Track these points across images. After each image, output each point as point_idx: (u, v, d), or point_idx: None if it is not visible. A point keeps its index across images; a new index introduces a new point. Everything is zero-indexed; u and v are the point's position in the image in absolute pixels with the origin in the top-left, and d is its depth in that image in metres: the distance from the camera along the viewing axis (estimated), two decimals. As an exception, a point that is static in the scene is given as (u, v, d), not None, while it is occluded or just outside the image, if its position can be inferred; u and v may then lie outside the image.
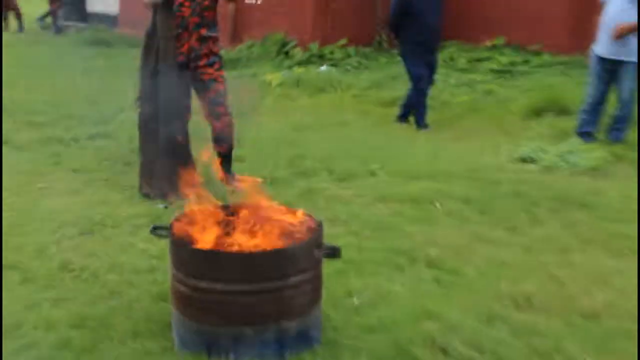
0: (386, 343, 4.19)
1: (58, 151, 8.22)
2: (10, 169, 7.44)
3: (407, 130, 9.70)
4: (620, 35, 8.41)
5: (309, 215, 4.48)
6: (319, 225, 4.31)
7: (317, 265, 4.17)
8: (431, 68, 10.03)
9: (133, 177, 6.97)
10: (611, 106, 8.94)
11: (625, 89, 8.67)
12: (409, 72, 10.07)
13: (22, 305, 4.64)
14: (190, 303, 4.08)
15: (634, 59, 8.48)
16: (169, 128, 6.65)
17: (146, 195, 6.70)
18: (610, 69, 8.71)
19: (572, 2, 12.21)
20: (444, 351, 4.14)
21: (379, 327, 4.37)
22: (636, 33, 8.37)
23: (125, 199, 6.65)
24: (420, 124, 9.94)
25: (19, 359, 4.03)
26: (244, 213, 4.43)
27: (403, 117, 10.25)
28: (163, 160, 6.66)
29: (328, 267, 4.90)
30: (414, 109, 10.09)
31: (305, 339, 4.12)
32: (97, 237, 5.80)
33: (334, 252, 4.23)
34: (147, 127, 6.77)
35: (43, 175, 7.36)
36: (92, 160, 7.87)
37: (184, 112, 6.84)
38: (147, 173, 6.77)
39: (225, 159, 7.04)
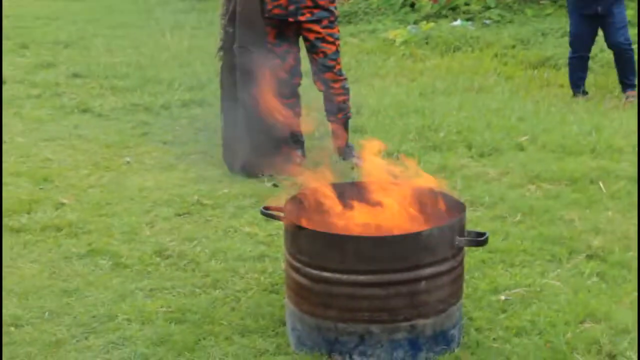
0: (540, 347, 4.14)
1: (146, 120, 8.35)
2: (93, 141, 7.60)
3: (561, 97, 9.53)
4: None
5: (450, 196, 4.49)
6: (462, 207, 4.30)
7: (458, 254, 4.12)
8: (598, 23, 9.73)
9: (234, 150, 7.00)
10: None
11: None
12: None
13: (113, 294, 4.73)
14: (309, 296, 4.08)
15: None
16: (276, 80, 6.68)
17: (242, 172, 6.79)
18: None
19: None
20: (612, 358, 4.11)
21: (531, 329, 4.33)
22: None
23: (226, 176, 6.74)
24: (576, 90, 9.85)
25: (112, 356, 4.12)
26: (369, 191, 4.46)
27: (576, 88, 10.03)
28: (262, 130, 6.70)
29: (471, 257, 4.93)
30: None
31: (442, 340, 4.09)
32: (195, 218, 5.88)
33: (479, 240, 4.20)
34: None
35: (130, 147, 7.48)
36: (186, 130, 7.96)
37: (290, 75, 6.89)
38: (247, 145, 6.83)
39: (340, 130, 7.09)
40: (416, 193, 4.40)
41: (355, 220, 4.23)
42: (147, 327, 4.37)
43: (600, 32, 9.84)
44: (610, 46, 9.62)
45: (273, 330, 4.35)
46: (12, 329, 4.36)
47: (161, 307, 4.59)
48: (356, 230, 4.17)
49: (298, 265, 4.12)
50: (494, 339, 4.29)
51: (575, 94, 9.78)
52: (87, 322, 4.43)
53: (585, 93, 9.70)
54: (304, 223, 4.22)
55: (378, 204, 4.32)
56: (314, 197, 4.46)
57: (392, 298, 3.98)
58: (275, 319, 4.42)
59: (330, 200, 4.42)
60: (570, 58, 9.88)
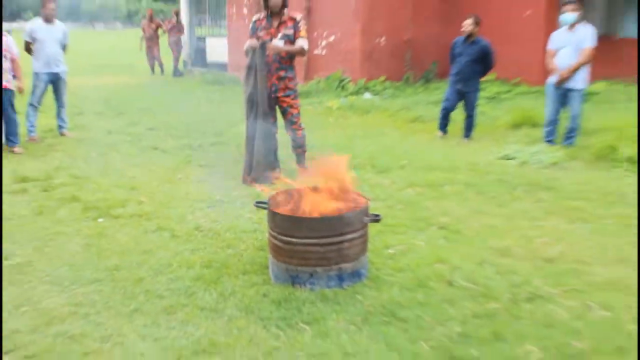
0: (411, 279, 4.31)
1: (190, 154, 8.42)
2: (159, 166, 7.71)
3: (427, 138, 9.66)
4: (565, 79, 8.48)
5: (361, 194, 4.62)
6: (367, 201, 4.45)
7: (365, 227, 4.29)
8: (460, 96, 9.47)
9: (240, 170, 7.10)
10: (564, 121, 8.87)
11: (574, 109, 8.64)
12: None
13: (171, 252, 4.88)
14: (280, 251, 4.23)
15: (579, 87, 8.54)
16: (264, 139, 6.83)
17: (247, 183, 6.80)
18: (562, 95, 8.70)
19: (541, 50, 12.08)
20: (450, 283, 4.26)
21: (406, 269, 4.48)
22: (578, 71, 8.44)
23: (236, 185, 6.79)
24: (441, 131, 9.75)
25: (170, 286, 4.26)
26: (316, 192, 4.57)
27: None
28: (260, 159, 6.81)
29: (373, 229, 5.02)
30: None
31: (357, 275, 4.25)
32: (218, 209, 5.97)
33: (377, 219, 4.36)
34: (250, 138, 6.93)
35: (181, 169, 7.56)
36: (213, 159, 8.07)
37: (273, 129, 7.03)
38: (248, 168, 6.90)
39: (301, 158, 7.21)
40: (343, 193, 4.50)
41: (308, 208, 4.31)
42: (190, 270, 4.53)
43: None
44: (465, 111, 9.61)
45: (261, 272, 4.48)
46: (125, 273, 4.48)
47: (198, 259, 4.72)
48: (308, 214, 4.25)
49: (274, 234, 4.29)
50: (385, 274, 4.42)
51: (441, 133, 9.73)
52: (156, 268, 4.59)
53: (445, 133, 9.69)
54: (278, 210, 4.33)
55: (321, 199, 4.42)
56: (285, 196, 4.58)
57: (328, 252, 4.15)
58: (262, 265, 4.55)
59: (293, 197, 4.53)
60: (442, 110, 9.72)
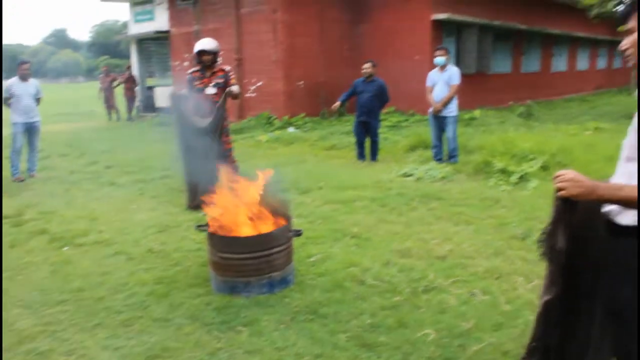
0: (330, 281, 4.29)
1: (143, 187, 8.16)
2: (115, 199, 7.44)
3: (341, 163, 9.69)
4: (439, 110, 8.76)
5: (286, 212, 4.57)
6: (290, 218, 4.43)
7: (289, 240, 4.27)
8: (364, 126, 9.40)
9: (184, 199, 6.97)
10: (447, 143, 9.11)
11: (449, 132, 8.90)
12: None
13: (127, 273, 4.70)
14: (220, 266, 4.15)
15: (451, 114, 8.81)
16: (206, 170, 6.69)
17: (191, 209, 6.64)
18: (440, 122, 8.94)
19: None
20: (362, 283, 4.26)
21: (326, 273, 4.46)
22: (448, 103, 8.74)
23: (181, 211, 6.59)
24: (359, 157, 9.69)
25: (127, 302, 4.11)
26: (249, 214, 4.53)
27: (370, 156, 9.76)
28: (202, 188, 6.66)
29: (297, 241, 4.98)
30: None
31: (285, 282, 4.21)
32: (167, 233, 5.79)
33: (298, 233, 4.36)
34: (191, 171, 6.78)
35: (134, 201, 7.32)
36: (162, 190, 7.86)
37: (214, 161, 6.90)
38: (192, 196, 6.71)
39: None
40: (270, 211, 4.46)
41: (241, 228, 4.27)
42: (144, 287, 4.38)
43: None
44: (370, 138, 9.53)
45: (205, 284, 4.37)
46: (88, 293, 4.26)
47: (151, 277, 4.57)
48: (241, 233, 4.20)
49: (214, 252, 4.19)
50: (308, 279, 4.40)
51: (358, 159, 9.66)
52: (115, 287, 4.41)
53: (363, 159, 9.64)
54: (216, 232, 4.25)
55: (251, 218, 4.38)
56: (221, 219, 4.50)
57: (260, 264, 4.11)
58: (206, 278, 4.42)
59: (229, 219, 4.46)
60: (356, 142, 9.71)
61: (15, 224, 6.42)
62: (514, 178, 7.50)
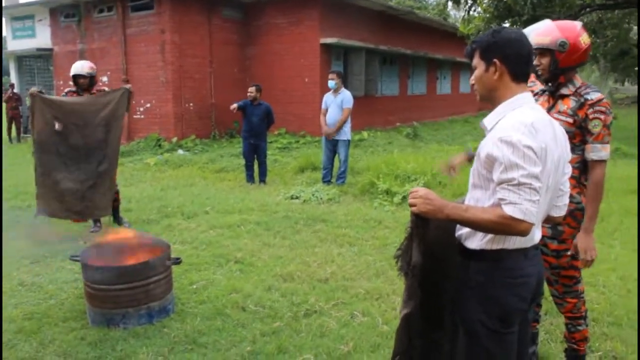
0: (211, 309, 4.27)
1: (19, 214, 7.68)
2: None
3: (230, 186, 9.65)
4: (333, 134, 8.93)
5: (164, 241, 4.52)
6: (168, 246, 4.36)
7: (168, 269, 4.20)
8: (254, 148, 9.47)
9: (65, 226, 6.68)
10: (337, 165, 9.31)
11: (341, 155, 9.09)
12: None
13: (-4, 309, 4.45)
14: (95, 298, 4.03)
15: (344, 138, 9.00)
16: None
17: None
18: (333, 145, 9.12)
19: (318, 107, 12.62)
20: (243, 309, 4.27)
21: (207, 300, 4.44)
22: (341, 127, 8.91)
23: (59, 240, 6.27)
24: (248, 180, 9.68)
25: (-6, 342, 3.90)
26: (125, 243, 4.43)
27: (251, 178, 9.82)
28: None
29: (179, 268, 4.94)
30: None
31: (164, 311, 4.14)
32: (42, 264, 5.49)
33: (177, 262, 4.29)
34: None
35: (10, 229, 6.84)
36: (41, 217, 7.41)
37: None
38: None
39: (116, 211, 6.83)
40: (146, 241, 4.39)
41: (116, 258, 4.15)
42: (11, 324, 4.14)
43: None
44: (258, 160, 9.55)
45: (80, 317, 4.21)
46: None
47: (20, 313, 4.33)
48: (116, 263, 4.09)
49: (88, 283, 4.07)
50: (189, 307, 4.35)
51: (247, 182, 9.65)
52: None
53: (253, 181, 9.66)
54: (90, 262, 4.12)
55: (127, 248, 4.28)
56: (97, 248, 4.37)
57: (137, 294, 4.02)
58: (82, 311, 4.26)
59: (104, 249, 4.34)
60: (245, 165, 9.71)
61: None
62: (397, 199, 7.81)
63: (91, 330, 3.99)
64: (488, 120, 2.13)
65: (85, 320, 4.14)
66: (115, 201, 6.73)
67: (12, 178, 10.62)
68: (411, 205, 2.09)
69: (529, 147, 1.90)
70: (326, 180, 9.21)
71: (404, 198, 7.75)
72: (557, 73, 3.03)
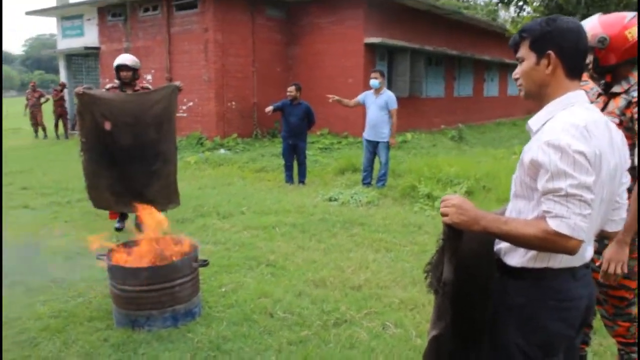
0: (238, 313, 4.14)
1: (57, 210, 7.83)
2: (25, 223, 7.05)
3: (268, 186, 9.54)
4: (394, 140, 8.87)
5: (192, 241, 4.40)
6: (196, 247, 4.24)
7: (195, 271, 4.09)
8: (293, 148, 9.35)
9: (101, 223, 6.69)
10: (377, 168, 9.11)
11: (382, 157, 8.87)
12: None
13: (22, 305, 4.40)
14: (120, 299, 3.95)
15: (385, 140, 8.76)
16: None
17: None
18: (373, 146, 8.91)
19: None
20: (271, 315, 4.13)
21: (235, 304, 4.32)
22: (384, 126, 8.72)
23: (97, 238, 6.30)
24: (287, 180, 9.57)
25: (16, 339, 3.84)
26: (151, 243, 4.32)
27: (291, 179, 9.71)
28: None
29: (209, 270, 4.84)
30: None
31: (190, 314, 4.03)
32: (73, 261, 5.49)
33: (204, 264, 4.18)
34: None
35: (46, 225, 6.93)
36: (77, 214, 7.51)
37: None
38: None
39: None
40: (175, 241, 4.28)
41: (143, 258, 4.06)
42: (37, 322, 4.12)
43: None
44: (297, 160, 9.43)
45: (106, 317, 4.14)
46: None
47: (48, 310, 4.30)
48: (142, 264, 3.99)
49: (114, 284, 3.98)
50: (216, 311, 4.23)
51: (286, 182, 9.51)
52: (6, 322, 4.06)
53: (292, 182, 9.51)
54: (116, 262, 4.03)
55: (155, 249, 4.17)
56: (125, 247, 4.28)
57: (162, 297, 3.92)
58: (108, 311, 4.19)
59: (132, 249, 4.24)
60: (284, 165, 9.61)
61: None
62: (438, 203, 7.53)
63: (115, 331, 3.91)
64: (534, 121, 1.89)
65: (110, 321, 4.06)
66: None
67: (55, 174, 10.82)
68: (443, 215, 1.86)
69: (581, 153, 1.66)
70: (366, 182, 9.01)
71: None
72: (601, 71, 2.76)
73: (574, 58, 1.86)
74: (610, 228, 2.03)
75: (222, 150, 13.57)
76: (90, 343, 3.73)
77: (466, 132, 17.40)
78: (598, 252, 2.76)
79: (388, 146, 8.81)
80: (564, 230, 1.64)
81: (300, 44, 16.07)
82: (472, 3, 36.19)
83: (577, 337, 1.96)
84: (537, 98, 1.93)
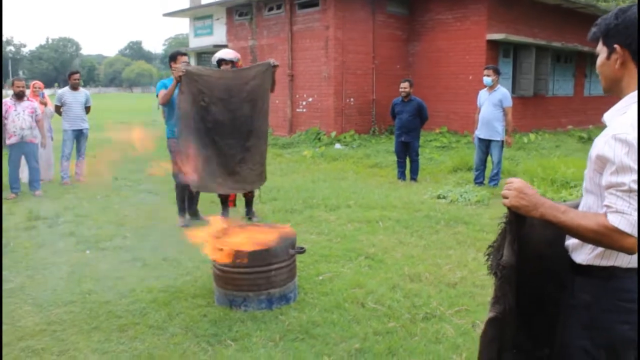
0: (331, 301, 4.25)
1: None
2: (149, 206, 7.58)
3: (379, 181, 9.59)
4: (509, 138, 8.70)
5: (291, 230, 4.57)
6: (294, 235, 4.41)
7: (291, 258, 4.25)
8: (405, 145, 9.35)
9: (215, 208, 7.05)
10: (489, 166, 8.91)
11: (494, 157, 8.67)
12: None
13: (138, 279, 4.84)
14: (220, 279, 4.20)
15: (497, 138, 8.55)
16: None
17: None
18: (485, 145, 8.72)
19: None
20: (362, 305, 4.20)
21: (330, 292, 4.43)
22: (497, 124, 8.51)
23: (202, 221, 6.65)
24: (399, 177, 9.59)
25: (129, 307, 4.21)
26: (257, 230, 4.55)
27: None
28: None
29: (310, 259, 5.04)
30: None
31: (285, 298, 4.20)
32: (185, 241, 5.87)
33: (301, 251, 4.32)
34: None
35: (166, 209, 7.38)
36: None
37: None
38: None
39: (249, 204, 6.83)
40: (275, 230, 4.47)
41: (241, 243, 4.27)
42: (149, 294, 4.51)
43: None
44: (410, 157, 9.42)
45: (208, 296, 4.43)
46: (95, 296, 4.34)
47: (158, 284, 4.68)
48: (244, 247, 4.20)
49: (216, 265, 4.23)
50: (311, 298, 4.37)
51: (398, 179, 9.56)
52: (122, 292, 4.54)
53: (404, 179, 9.52)
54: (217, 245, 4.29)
55: (258, 235, 4.39)
56: (225, 233, 4.53)
57: (258, 279, 4.11)
58: (210, 290, 4.47)
59: (232, 233, 4.49)
60: (397, 162, 9.63)
61: (50, 225, 6.69)
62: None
63: (215, 308, 4.17)
64: (609, 115, 1.82)
65: (211, 299, 4.34)
66: (250, 193, 6.73)
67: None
68: (503, 197, 1.84)
69: None
70: (478, 181, 8.82)
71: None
72: None
73: None
74: None
75: (338, 145, 13.80)
76: (191, 317, 4.02)
77: (596, 134, 16.34)
78: None
79: (501, 145, 8.57)
80: (623, 227, 1.58)
81: (421, 41, 15.93)
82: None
83: None
84: (614, 92, 1.85)
